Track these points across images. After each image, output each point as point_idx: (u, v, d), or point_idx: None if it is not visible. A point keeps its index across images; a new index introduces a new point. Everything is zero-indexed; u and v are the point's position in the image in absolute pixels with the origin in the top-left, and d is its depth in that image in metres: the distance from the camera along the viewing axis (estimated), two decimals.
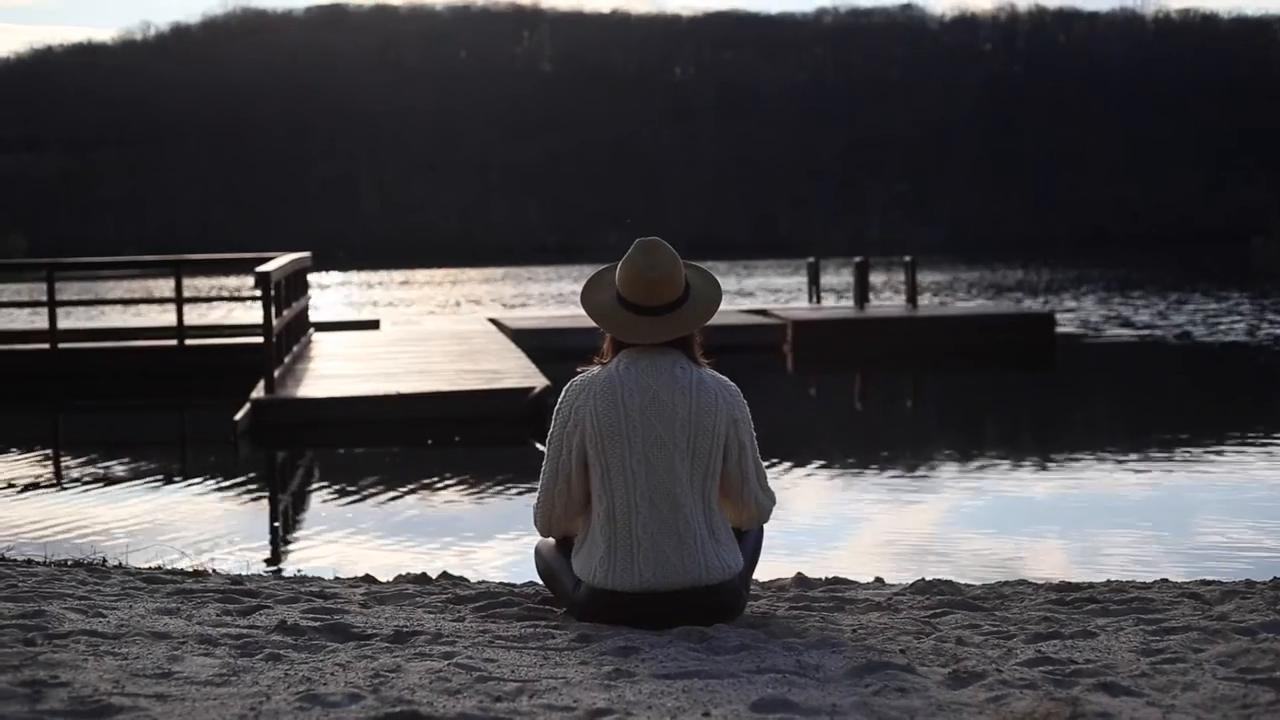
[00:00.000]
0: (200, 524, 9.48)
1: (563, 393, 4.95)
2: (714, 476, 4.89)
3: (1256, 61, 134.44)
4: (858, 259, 28.64)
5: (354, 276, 74.81)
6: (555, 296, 45.45)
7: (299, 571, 7.18)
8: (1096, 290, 40.52)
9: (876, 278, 44.60)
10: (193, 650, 4.37)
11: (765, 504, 5.06)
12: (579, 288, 5.27)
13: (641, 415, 4.79)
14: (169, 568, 6.61)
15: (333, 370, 17.11)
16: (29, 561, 6.67)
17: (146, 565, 6.74)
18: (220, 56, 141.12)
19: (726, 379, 5.00)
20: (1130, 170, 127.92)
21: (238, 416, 13.85)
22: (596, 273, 5.19)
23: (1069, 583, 6.09)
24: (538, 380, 15.03)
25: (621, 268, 4.99)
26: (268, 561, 8.19)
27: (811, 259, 31.97)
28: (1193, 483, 10.66)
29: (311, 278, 23.64)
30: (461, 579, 6.30)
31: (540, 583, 5.51)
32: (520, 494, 10.35)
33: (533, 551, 5.39)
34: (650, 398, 4.81)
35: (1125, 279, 47.40)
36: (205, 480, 11.53)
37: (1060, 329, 25.32)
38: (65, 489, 11.37)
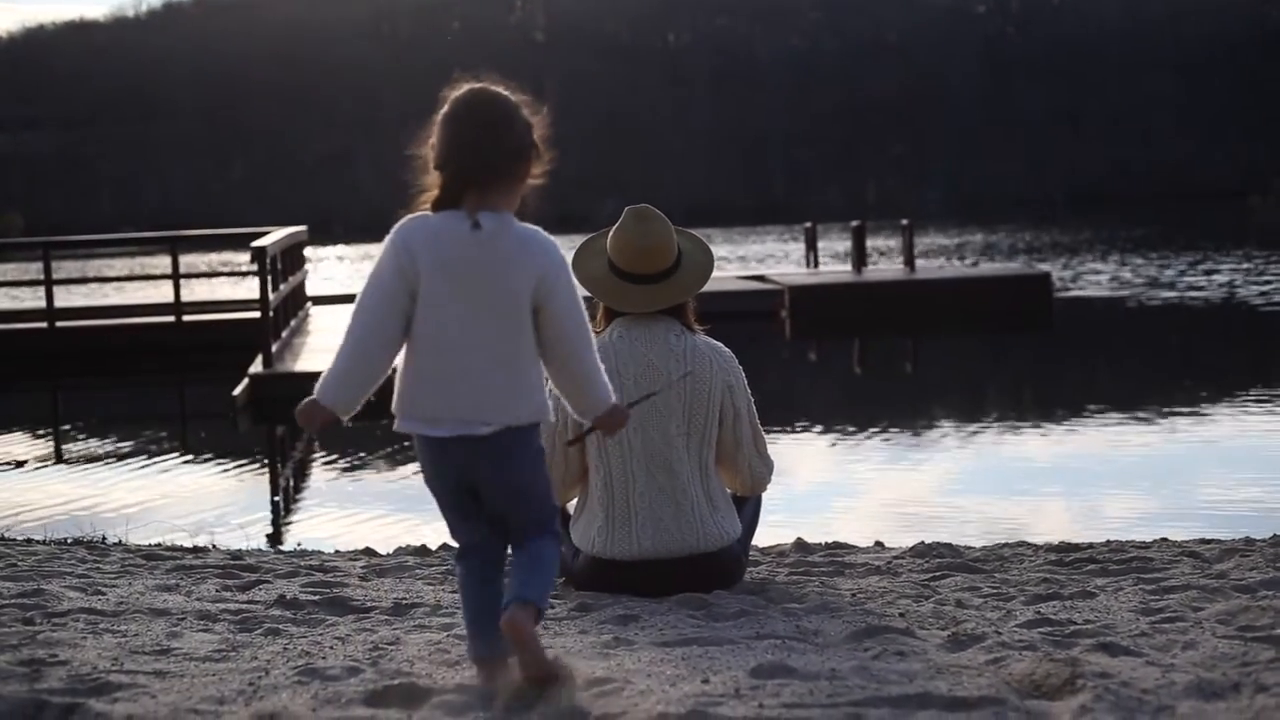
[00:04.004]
0: (199, 500, 9.49)
1: None
2: (710, 443, 4.87)
3: (1254, 18, 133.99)
4: (855, 223, 28.58)
5: (351, 250, 74.73)
6: None
7: (298, 545, 7.19)
8: (1113, 252, 40.02)
9: (878, 242, 44.45)
10: (192, 626, 4.37)
11: (761, 471, 5.04)
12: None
13: (636, 384, 4.77)
14: (168, 544, 6.62)
15: (331, 344, 16.87)
16: (28, 540, 6.67)
17: (146, 542, 6.75)
18: (213, 31, 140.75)
19: (720, 345, 4.99)
20: (1126, 129, 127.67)
21: (236, 392, 13.85)
22: (585, 241, 5.15)
23: (1068, 543, 6.09)
24: None
25: (614, 236, 4.97)
26: (267, 536, 8.19)
27: (809, 224, 31.89)
28: (1192, 441, 10.66)
29: (308, 252, 23.60)
30: None
31: None
32: None
33: None
34: (644, 366, 4.80)
35: (1140, 239, 46.98)
36: (204, 456, 11.53)
37: (1090, 293, 25.27)
38: (64, 467, 11.38)
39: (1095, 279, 29.49)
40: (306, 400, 3.40)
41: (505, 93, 3.39)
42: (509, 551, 3.53)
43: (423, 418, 3.35)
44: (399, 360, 3.41)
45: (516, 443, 3.35)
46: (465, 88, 3.40)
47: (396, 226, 3.37)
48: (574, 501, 5.08)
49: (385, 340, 3.34)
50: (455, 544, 3.54)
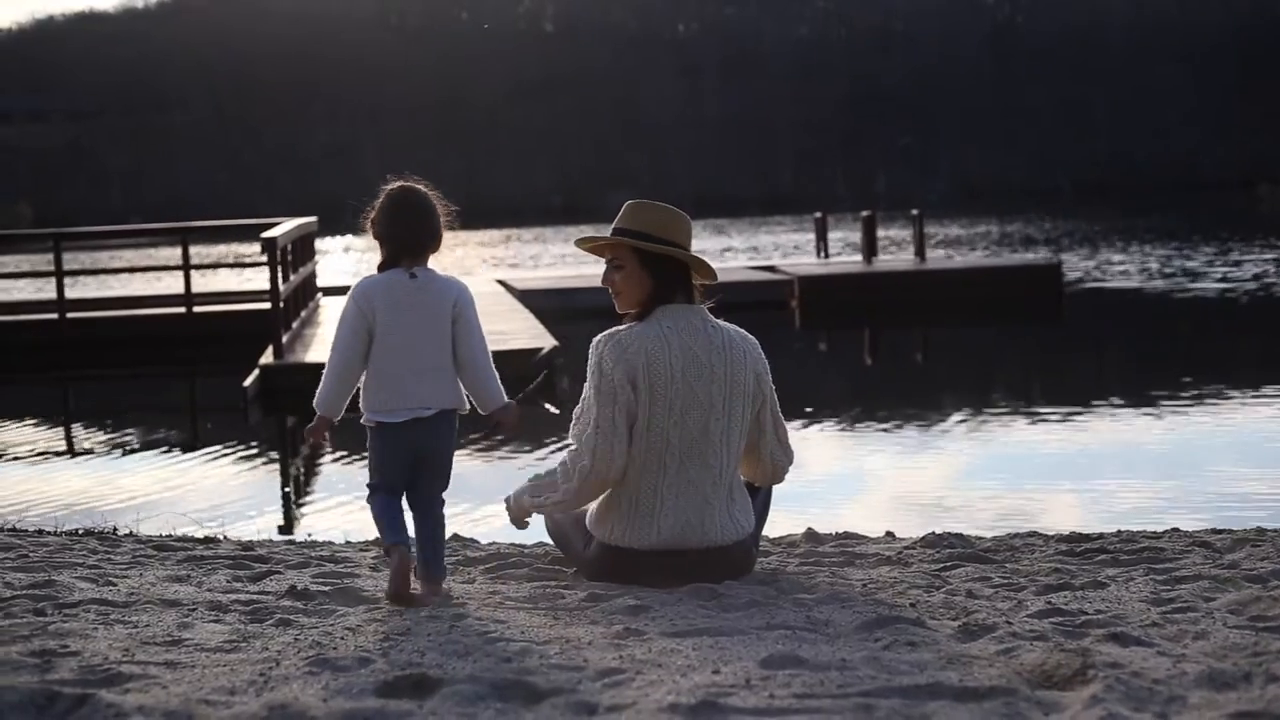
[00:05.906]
0: (211, 491, 9.50)
1: (607, 343, 4.79)
2: (743, 434, 4.86)
3: (1261, 8, 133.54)
4: (865, 213, 28.56)
5: (360, 241, 74.75)
6: (562, 257, 45.34)
7: (309, 536, 7.19)
8: (1131, 242, 39.60)
9: (891, 233, 44.26)
10: (203, 617, 4.37)
11: (781, 460, 5.04)
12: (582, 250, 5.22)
13: (683, 377, 4.74)
14: (179, 535, 6.62)
15: None
16: (40, 531, 6.68)
17: (157, 533, 6.75)
18: (222, 23, 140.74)
19: (746, 332, 4.98)
20: (1134, 119, 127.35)
21: (247, 383, 13.85)
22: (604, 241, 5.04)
23: (1079, 534, 6.08)
24: (546, 341, 15.00)
25: (632, 213, 4.94)
26: (278, 527, 8.20)
27: (819, 214, 31.86)
28: (1203, 432, 10.64)
29: (318, 242, 23.60)
30: (471, 540, 6.31)
31: (550, 543, 5.51)
32: (529, 453, 10.35)
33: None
34: (690, 359, 4.77)
35: (1157, 230, 46.54)
36: (215, 447, 11.54)
37: (1102, 284, 25.15)
38: (75, 458, 11.40)
39: (1120, 269, 29.31)
40: (315, 421, 4.77)
41: (425, 190, 4.81)
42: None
43: (385, 409, 4.69)
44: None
45: (449, 422, 4.75)
46: (397, 185, 4.82)
47: (355, 285, 4.75)
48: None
49: (357, 362, 4.69)
50: (379, 490, 4.82)
